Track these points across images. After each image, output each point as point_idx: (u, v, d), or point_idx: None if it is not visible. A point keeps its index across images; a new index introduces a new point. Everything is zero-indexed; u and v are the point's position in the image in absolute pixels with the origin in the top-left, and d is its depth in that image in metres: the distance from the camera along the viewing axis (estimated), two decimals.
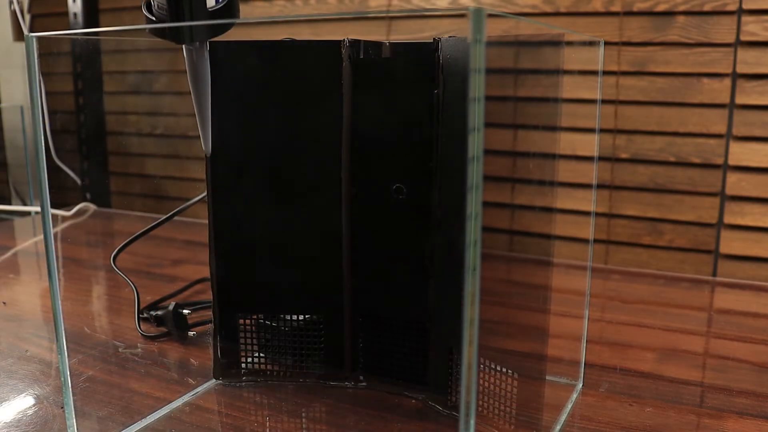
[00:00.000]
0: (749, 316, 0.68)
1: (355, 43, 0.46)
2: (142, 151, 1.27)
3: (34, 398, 0.49)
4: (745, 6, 0.80)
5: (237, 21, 0.43)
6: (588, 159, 0.89)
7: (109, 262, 0.69)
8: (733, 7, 0.81)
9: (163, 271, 0.83)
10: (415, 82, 0.45)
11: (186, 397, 0.49)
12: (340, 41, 0.46)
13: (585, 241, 0.82)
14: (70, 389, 0.41)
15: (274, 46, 0.47)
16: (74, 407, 0.41)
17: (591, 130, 0.87)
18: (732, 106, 0.83)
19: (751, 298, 0.75)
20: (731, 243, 0.85)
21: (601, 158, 0.89)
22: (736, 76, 0.82)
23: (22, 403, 0.49)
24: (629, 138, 0.88)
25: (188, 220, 0.87)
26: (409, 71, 0.46)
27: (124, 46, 1.22)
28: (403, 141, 0.46)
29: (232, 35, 0.44)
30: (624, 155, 0.89)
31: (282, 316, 0.51)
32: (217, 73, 0.47)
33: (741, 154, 0.83)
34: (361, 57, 0.47)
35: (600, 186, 0.90)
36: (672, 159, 0.87)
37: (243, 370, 0.51)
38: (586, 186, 0.89)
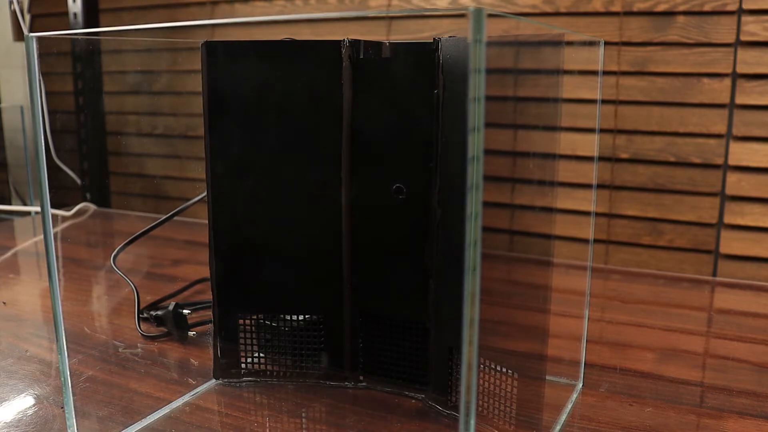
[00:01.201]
0: (749, 316, 0.68)
1: (355, 43, 0.46)
2: (142, 151, 1.27)
3: (34, 398, 0.49)
4: (745, 6, 0.80)
5: (237, 21, 0.43)
6: (588, 159, 0.89)
7: (109, 262, 0.69)
8: (733, 7, 0.81)
9: (163, 271, 0.83)
10: (415, 82, 0.45)
11: (186, 397, 0.49)
12: (340, 41, 0.46)
13: (585, 241, 0.82)
14: (70, 389, 0.41)
15: (274, 46, 0.47)
16: (74, 407, 0.41)
17: (591, 130, 0.87)
18: (732, 106, 0.83)
19: (751, 298, 0.75)
20: (731, 243, 0.85)
21: (601, 158, 0.89)
22: (736, 76, 0.82)
23: (22, 403, 0.49)
24: (629, 138, 0.88)
25: (188, 220, 0.87)
26: (409, 71, 0.46)
27: (124, 46, 1.22)
28: (402, 141, 0.46)
29: (233, 35, 0.44)
30: (624, 155, 0.89)
31: (282, 316, 0.51)
32: (216, 72, 0.47)
33: (741, 154, 0.83)
34: (361, 57, 0.47)
35: (600, 186, 0.90)
36: (672, 159, 0.87)
37: (243, 370, 0.51)
38: (586, 186, 0.89)
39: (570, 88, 0.84)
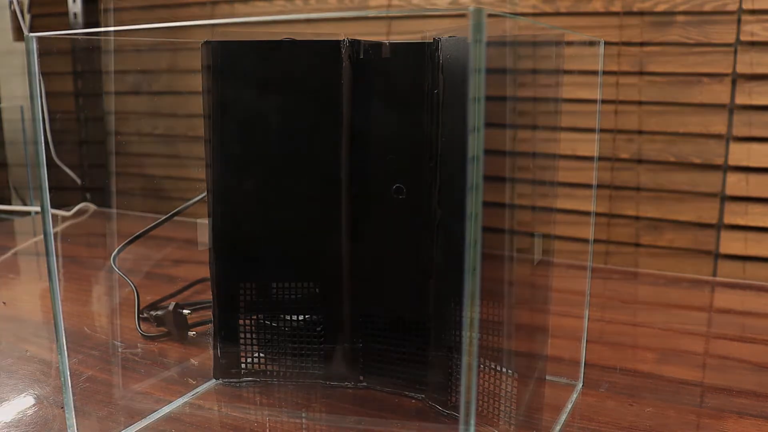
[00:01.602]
0: (749, 316, 0.68)
1: (355, 43, 0.46)
2: (142, 151, 1.27)
3: (34, 398, 0.49)
4: (745, 6, 0.80)
5: (237, 21, 0.43)
6: (588, 159, 0.89)
7: (109, 262, 0.69)
8: (733, 7, 0.81)
9: (163, 271, 0.83)
10: (415, 82, 0.45)
11: (186, 397, 0.49)
12: (340, 41, 0.46)
13: (585, 241, 0.82)
14: (70, 389, 0.41)
15: (274, 46, 0.47)
16: (74, 407, 0.41)
17: (591, 130, 0.87)
18: (732, 106, 0.83)
19: (751, 298, 0.75)
20: (731, 243, 0.85)
21: (601, 158, 0.89)
22: (736, 76, 0.82)
23: (22, 403, 0.49)
24: (629, 138, 0.88)
25: (188, 220, 0.87)
26: (409, 71, 0.46)
27: (124, 46, 1.21)
28: (402, 141, 0.46)
29: (232, 35, 0.44)
30: (624, 155, 0.89)
31: (282, 316, 0.51)
32: (216, 72, 0.47)
33: (741, 154, 0.83)
34: (361, 57, 0.47)
35: (600, 186, 0.90)
36: (672, 159, 0.87)
37: (243, 370, 0.51)
38: (586, 186, 0.89)
39: (570, 88, 0.84)
